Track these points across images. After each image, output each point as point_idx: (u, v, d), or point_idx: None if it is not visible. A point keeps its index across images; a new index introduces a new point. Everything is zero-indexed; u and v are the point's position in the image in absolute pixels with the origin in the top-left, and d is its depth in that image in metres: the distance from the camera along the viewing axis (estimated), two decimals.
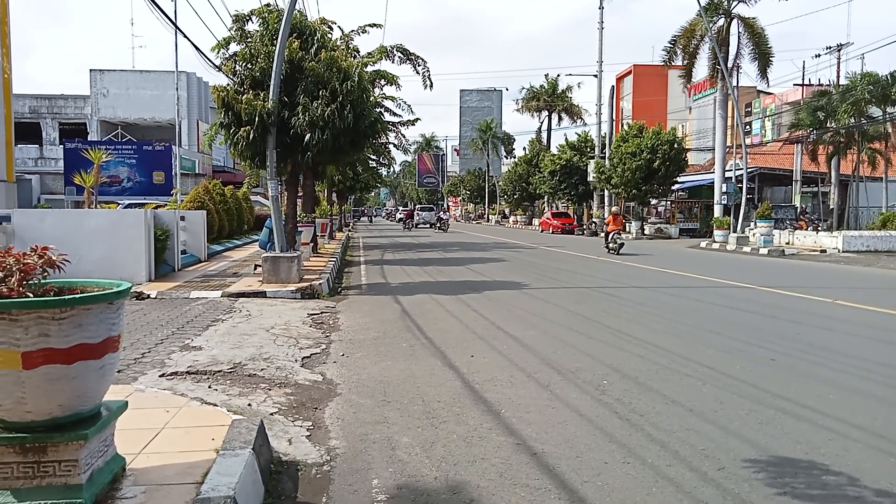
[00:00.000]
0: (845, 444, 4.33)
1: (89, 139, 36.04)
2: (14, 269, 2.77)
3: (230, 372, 6.01)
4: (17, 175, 35.59)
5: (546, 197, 53.54)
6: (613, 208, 27.14)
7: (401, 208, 67.42)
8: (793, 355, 6.90)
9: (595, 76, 40.83)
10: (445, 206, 64.97)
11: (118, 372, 5.57)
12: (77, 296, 2.78)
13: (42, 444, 2.77)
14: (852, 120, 29.27)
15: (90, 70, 39.46)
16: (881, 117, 29.63)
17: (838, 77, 36.99)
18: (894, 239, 23.71)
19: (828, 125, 30.93)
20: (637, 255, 21.80)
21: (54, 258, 2.91)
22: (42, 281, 2.88)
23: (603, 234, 25.05)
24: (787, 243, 25.79)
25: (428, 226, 47.17)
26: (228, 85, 13.53)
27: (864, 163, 31.98)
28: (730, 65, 29.57)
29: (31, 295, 2.75)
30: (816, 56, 42.45)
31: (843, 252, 22.83)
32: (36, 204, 32.55)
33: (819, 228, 28.45)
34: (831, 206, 33.32)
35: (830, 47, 37.95)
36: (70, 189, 29.96)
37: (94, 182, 15.10)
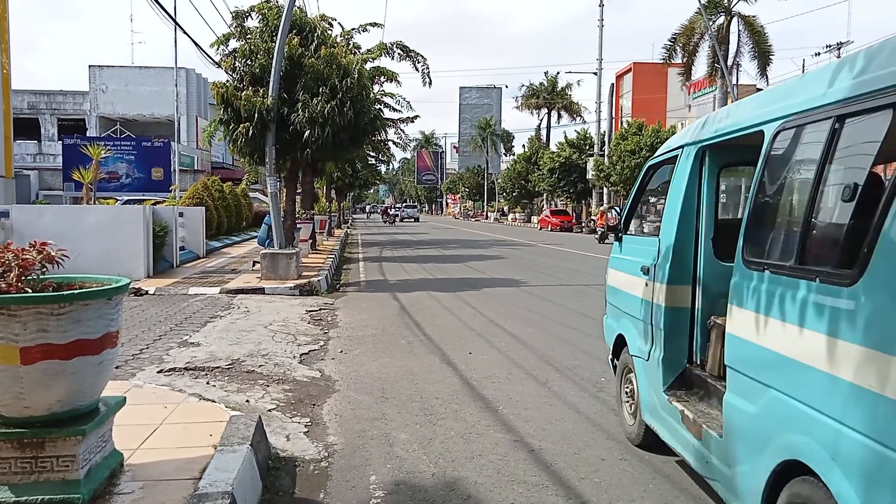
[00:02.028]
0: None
1: (88, 135, 35.89)
2: (13, 264, 2.77)
3: (228, 368, 6.01)
4: (16, 171, 35.44)
5: (545, 194, 53.53)
6: (602, 207, 33.60)
7: (380, 206, 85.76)
8: None
9: (595, 74, 40.82)
10: (396, 204, 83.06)
11: (116, 368, 5.58)
12: (75, 291, 2.78)
13: (40, 439, 2.78)
14: None
15: (89, 66, 39.30)
16: None
17: None
18: None
19: None
20: None
21: (53, 254, 2.91)
22: (41, 276, 2.88)
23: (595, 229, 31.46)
24: None
25: (400, 219, 59.01)
26: (228, 81, 13.51)
27: None
28: (729, 63, 29.54)
29: (30, 290, 2.75)
30: (816, 54, 42.35)
31: None
32: (34, 200, 32.47)
33: None
34: None
35: (830, 46, 37.87)
36: (68, 185, 29.86)
37: (93, 178, 15.03)
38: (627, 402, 4.44)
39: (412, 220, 61.58)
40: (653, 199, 5.17)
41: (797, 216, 2.61)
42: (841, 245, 2.27)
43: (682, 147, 3.96)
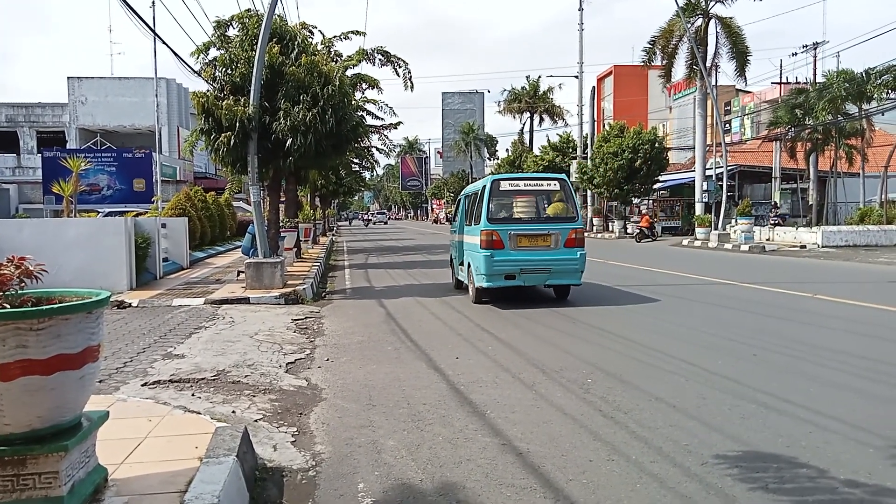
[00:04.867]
0: (825, 436, 4.40)
1: (68, 147, 35.50)
2: None
3: (214, 379, 5.97)
4: None
5: None
6: (644, 210, 36.02)
7: (361, 213, 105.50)
8: (774, 350, 6.99)
9: (576, 77, 41.04)
10: (371, 211, 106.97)
11: (100, 382, 5.52)
12: (55, 306, 2.76)
13: (21, 456, 2.74)
14: (829, 117, 29.68)
15: (68, 77, 38.92)
16: (857, 114, 30.07)
17: (815, 75, 37.46)
18: (872, 233, 24.07)
19: (805, 122, 31.33)
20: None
21: (31, 268, 2.88)
22: (19, 292, 2.86)
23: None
24: (768, 239, 26.07)
25: (373, 223, 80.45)
26: (208, 91, 13.44)
27: (842, 159, 32.42)
28: (708, 64, 29.87)
29: (8, 306, 2.73)
30: (793, 55, 42.92)
31: (823, 247, 23.14)
32: (14, 214, 32.09)
33: (794, 224, 28.77)
34: (810, 202, 33.74)
35: (807, 46, 38.41)
36: (49, 198, 29.49)
37: (74, 191, 14.90)
38: (454, 276, 12.84)
39: (381, 223, 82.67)
40: (457, 210, 12.73)
41: (469, 213, 11.56)
42: (472, 217, 11.27)
43: (463, 195, 12.70)
